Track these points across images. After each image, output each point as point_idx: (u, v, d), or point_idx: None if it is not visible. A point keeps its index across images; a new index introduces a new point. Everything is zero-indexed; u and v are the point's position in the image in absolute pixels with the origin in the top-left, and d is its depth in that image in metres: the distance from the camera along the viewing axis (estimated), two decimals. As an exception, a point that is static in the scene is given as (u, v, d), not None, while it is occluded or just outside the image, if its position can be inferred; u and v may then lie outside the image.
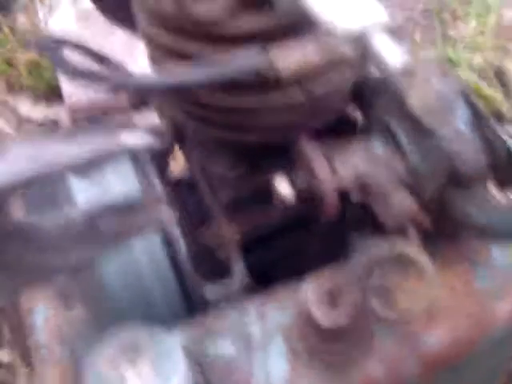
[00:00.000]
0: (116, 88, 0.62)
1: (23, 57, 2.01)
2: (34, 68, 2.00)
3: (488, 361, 0.86)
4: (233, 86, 0.80)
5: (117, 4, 1.01)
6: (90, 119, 1.76)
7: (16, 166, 0.68)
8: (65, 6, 2.00)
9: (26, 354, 1.30)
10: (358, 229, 1.10)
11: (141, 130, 0.72)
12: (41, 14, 1.96)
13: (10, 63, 2.03)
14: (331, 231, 1.01)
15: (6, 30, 2.08)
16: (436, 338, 0.78)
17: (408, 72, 0.81)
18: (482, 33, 2.09)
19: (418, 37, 2.17)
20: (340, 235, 1.06)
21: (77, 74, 0.66)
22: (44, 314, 0.82)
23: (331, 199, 0.77)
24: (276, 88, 0.79)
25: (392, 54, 0.61)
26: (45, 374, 1.41)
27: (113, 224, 0.75)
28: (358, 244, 1.07)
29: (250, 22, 0.74)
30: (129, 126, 0.74)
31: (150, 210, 0.77)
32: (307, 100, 0.81)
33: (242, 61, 0.63)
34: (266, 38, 0.71)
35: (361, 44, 0.64)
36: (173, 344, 0.70)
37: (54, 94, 1.95)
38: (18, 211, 0.68)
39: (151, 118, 1.30)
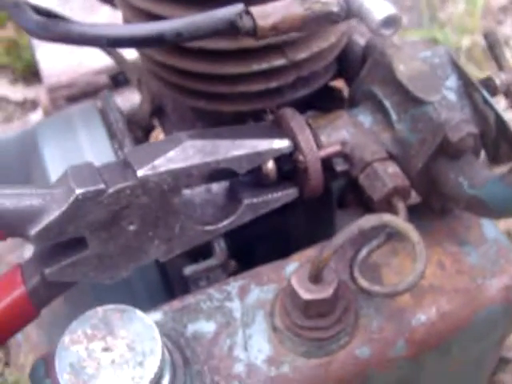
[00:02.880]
0: (79, 41, 0.58)
1: (0, 35, 1.96)
2: (12, 47, 1.95)
3: (480, 342, 0.83)
4: (210, 50, 0.77)
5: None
6: (70, 100, 1.72)
7: (189, 156, 0.71)
8: (44, -16, 1.96)
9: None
10: (345, 207, 1.07)
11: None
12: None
13: (-14, 42, 1.98)
14: (317, 209, 0.98)
15: (-17, 8, 2.02)
16: (424, 315, 0.75)
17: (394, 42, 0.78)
18: (471, 15, 2.05)
19: (404, 19, 2.14)
20: (327, 213, 1.03)
21: (42, 30, 0.62)
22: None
23: (315, 170, 0.74)
24: (256, 52, 0.76)
25: (378, 7, 0.57)
26: (21, 361, 1.38)
27: None
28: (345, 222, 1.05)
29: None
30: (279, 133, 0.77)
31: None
32: (289, 65, 0.78)
33: (217, 12, 0.58)
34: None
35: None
36: (148, 323, 0.66)
37: (32, 74, 1.90)
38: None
39: (132, 97, 1.26)
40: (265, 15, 0.58)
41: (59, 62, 1.76)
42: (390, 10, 0.57)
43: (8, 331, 0.76)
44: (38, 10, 0.78)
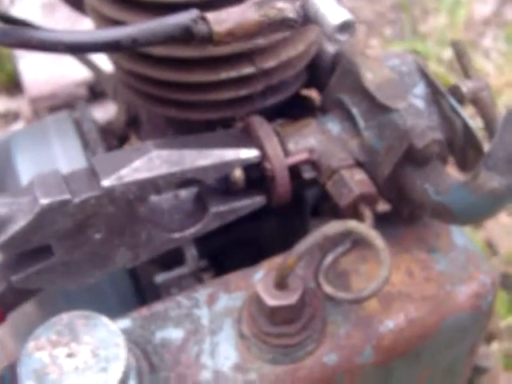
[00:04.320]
0: (38, 47, 0.58)
1: (-17, 48, 1.96)
2: (-6, 59, 1.96)
3: (449, 350, 0.83)
4: (179, 59, 0.77)
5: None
6: (52, 110, 1.73)
7: (155, 166, 0.71)
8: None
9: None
10: (319, 215, 1.07)
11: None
12: (4, 3, 1.92)
13: (-31, 54, 1.98)
14: (290, 216, 0.99)
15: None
16: (392, 322, 0.75)
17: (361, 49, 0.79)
18: (452, 27, 2.07)
19: (387, 31, 2.15)
20: (299, 221, 1.04)
21: (2, 37, 0.62)
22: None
23: (282, 177, 0.74)
24: (224, 60, 0.76)
25: (334, 13, 0.58)
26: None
27: None
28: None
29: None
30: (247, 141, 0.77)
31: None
32: (258, 73, 0.78)
33: (172, 18, 0.59)
34: (207, 4, 0.67)
35: (302, 3, 0.61)
36: (113, 329, 0.66)
37: (15, 86, 1.90)
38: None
39: (111, 107, 1.27)
40: (220, 21, 0.59)
41: (41, 73, 1.77)
42: (345, 15, 0.58)
43: None
44: (7, 19, 0.78)
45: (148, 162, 0.71)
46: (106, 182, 0.69)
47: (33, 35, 0.58)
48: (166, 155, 0.72)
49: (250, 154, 0.75)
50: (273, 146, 0.75)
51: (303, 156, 0.76)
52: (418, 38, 2.05)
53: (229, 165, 0.74)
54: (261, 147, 0.75)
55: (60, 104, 1.73)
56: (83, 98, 1.68)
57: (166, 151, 0.72)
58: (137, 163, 0.71)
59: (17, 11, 1.94)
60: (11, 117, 1.89)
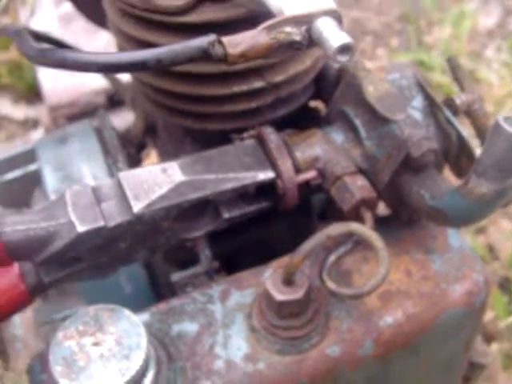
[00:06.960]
0: (72, 67, 0.64)
1: (4, 57, 2.03)
2: (14, 68, 2.02)
3: (445, 344, 0.89)
4: (195, 73, 0.84)
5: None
6: (70, 118, 1.79)
7: (182, 192, 0.78)
8: (47, 8, 2.03)
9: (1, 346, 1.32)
10: (327, 219, 1.13)
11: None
12: (22, 16, 1.98)
13: (-10, 64, 2.05)
14: (299, 222, 1.04)
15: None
16: (391, 318, 0.80)
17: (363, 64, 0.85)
18: (457, 38, 2.13)
19: (394, 42, 2.21)
20: (308, 226, 1.09)
21: (40, 57, 0.68)
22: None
23: (292, 194, 0.80)
24: (236, 75, 0.82)
25: (335, 37, 0.64)
26: (19, 367, 1.43)
27: None
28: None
29: (209, 11, 0.78)
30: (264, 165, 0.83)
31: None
32: (268, 87, 0.85)
33: (193, 42, 0.66)
34: (224, 28, 0.74)
35: (307, 27, 0.67)
36: (135, 321, 0.72)
37: (34, 94, 1.96)
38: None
39: (128, 117, 1.33)
40: (234, 44, 0.66)
41: (60, 81, 1.82)
42: (345, 39, 0.64)
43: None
44: (38, 36, 0.85)
45: (175, 190, 0.78)
46: (137, 209, 0.76)
47: (67, 56, 0.65)
48: (191, 182, 0.79)
49: (265, 176, 0.81)
50: (287, 167, 0.81)
51: (312, 174, 0.82)
52: (424, 49, 2.10)
53: (246, 187, 0.81)
54: (273, 164, 0.81)
55: (78, 112, 1.79)
56: (101, 106, 1.74)
57: (192, 178, 0.79)
58: (165, 190, 0.78)
59: (34, 23, 2.00)
60: (30, 124, 1.95)
